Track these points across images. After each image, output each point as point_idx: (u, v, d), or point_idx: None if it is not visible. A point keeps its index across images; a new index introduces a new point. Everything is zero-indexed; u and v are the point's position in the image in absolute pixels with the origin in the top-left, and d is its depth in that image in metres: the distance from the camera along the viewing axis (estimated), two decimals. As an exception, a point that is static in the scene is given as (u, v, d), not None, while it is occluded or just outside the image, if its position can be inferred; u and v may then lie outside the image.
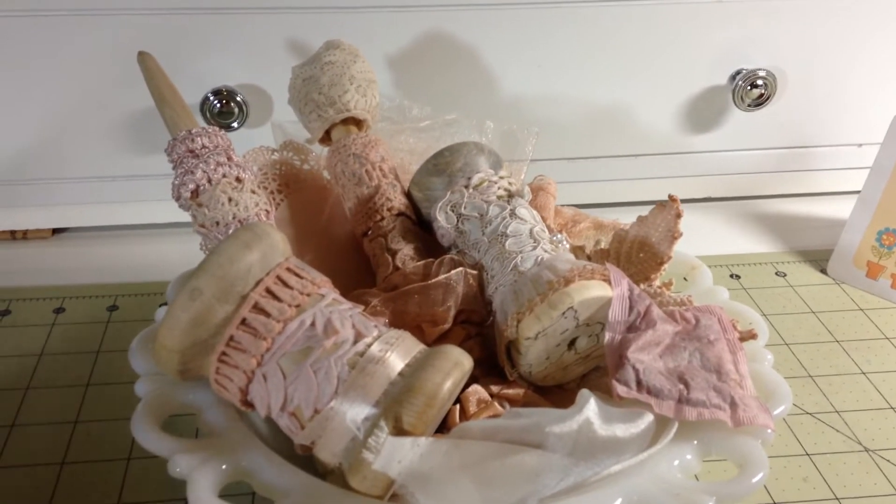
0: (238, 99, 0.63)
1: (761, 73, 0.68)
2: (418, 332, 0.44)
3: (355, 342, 0.37)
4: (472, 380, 0.43)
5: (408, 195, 0.51)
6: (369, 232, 0.49)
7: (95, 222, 0.69)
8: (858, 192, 0.64)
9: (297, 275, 0.38)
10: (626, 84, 0.68)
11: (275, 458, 0.37)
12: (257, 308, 0.37)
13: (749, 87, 0.69)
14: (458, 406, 0.42)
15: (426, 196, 0.49)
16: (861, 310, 0.62)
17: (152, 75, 0.49)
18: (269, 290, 0.37)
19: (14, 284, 0.62)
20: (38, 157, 0.66)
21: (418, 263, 0.46)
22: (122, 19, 0.60)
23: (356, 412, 0.35)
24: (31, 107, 0.63)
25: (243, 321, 0.36)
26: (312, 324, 0.37)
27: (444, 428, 0.40)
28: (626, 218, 0.52)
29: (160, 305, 0.46)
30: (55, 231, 0.70)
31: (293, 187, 0.52)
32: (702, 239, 0.69)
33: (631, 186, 0.72)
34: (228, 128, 0.63)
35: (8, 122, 0.64)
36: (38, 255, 0.67)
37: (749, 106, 0.69)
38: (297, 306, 0.37)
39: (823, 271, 0.66)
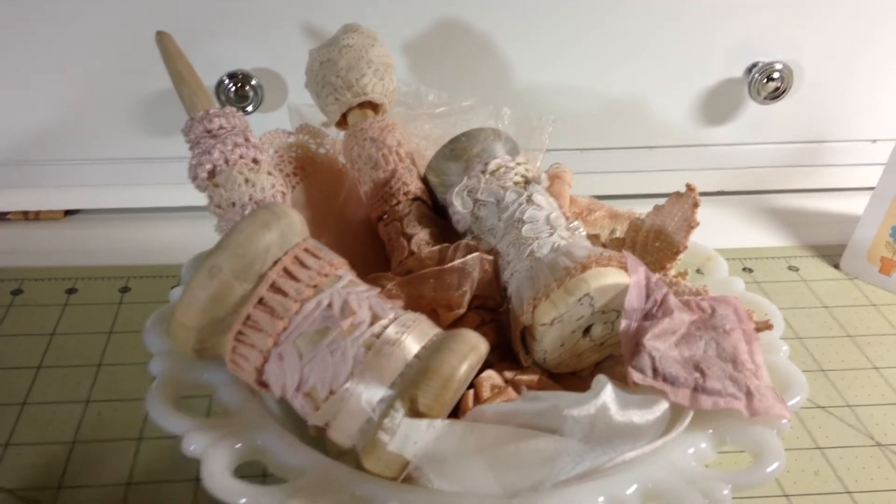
0: (253, 83, 0.63)
1: (778, 67, 0.68)
2: (433, 317, 0.43)
3: (371, 324, 0.37)
4: (487, 365, 0.43)
5: (424, 180, 0.50)
6: (385, 216, 0.49)
7: (108, 204, 0.69)
8: (872, 188, 0.64)
9: (314, 255, 0.38)
10: (641, 75, 0.68)
11: (289, 437, 0.37)
12: (275, 287, 0.37)
13: (765, 81, 0.68)
14: (471, 391, 0.41)
15: (442, 181, 0.49)
16: (874, 305, 0.62)
17: (170, 55, 0.49)
18: (286, 270, 0.37)
19: (27, 264, 0.62)
20: (51, 139, 0.66)
21: (434, 248, 0.46)
22: (138, 0, 0.60)
23: (372, 394, 0.35)
24: (45, 88, 0.64)
25: (261, 300, 0.36)
26: (329, 304, 0.37)
27: (457, 412, 0.40)
28: (640, 210, 0.52)
29: (172, 287, 0.46)
30: (67, 213, 0.70)
31: (309, 170, 0.52)
32: (715, 232, 0.67)
33: (645, 178, 0.72)
34: (243, 111, 0.63)
35: (22, 103, 0.64)
36: (50, 236, 0.67)
37: (765, 99, 0.69)
38: (315, 287, 0.37)
39: (836, 266, 0.66)
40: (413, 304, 0.44)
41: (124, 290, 0.59)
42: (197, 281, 0.35)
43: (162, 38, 0.49)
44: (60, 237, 0.67)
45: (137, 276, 0.61)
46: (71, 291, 0.59)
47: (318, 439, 0.38)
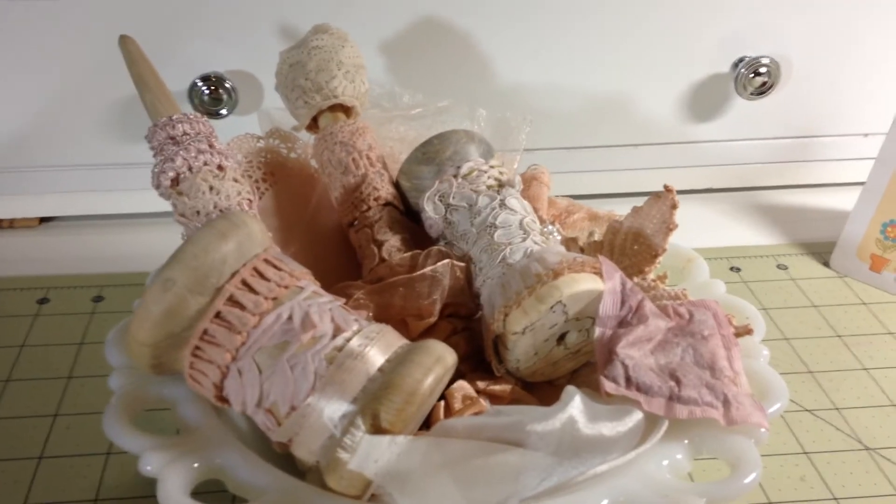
0: (227, 85, 0.62)
1: (764, 61, 0.67)
2: (403, 326, 0.42)
3: (334, 336, 0.36)
4: (459, 375, 0.42)
5: (396, 185, 0.49)
6: (355, 222, 0.48)
7: (83, 211, 0.68)
8: (863, 183, 0.62)
9: (275, 266, 0.37)
10: (625, 71, 0.67)
11: (250, 455, 0.36)
12: (232, 301, 0.35)
13: (752, 75, 0.67)
14: (442, 402, 0.40)
15: (414, 185, 0.48)
16: (864, 304, 0.60)
17: (133, 60, 0.47)
18: (245, 282, 0.36)
19: (-1, 274, 0.61)
20: (24, 146, 0.65)
21: (405, 255, 0.45)
22: (108, 2, 0.59)
23: (333, 409, 0.34)
24: (16, 94, 0.62)
25: (217, 314, 0.35)
26: (290, 317, 0.36)
27: (428, 425, 0.39)
28: (625, 209, 0.50)
29: (136, 301, 0.44)
30: (42, 220, 0.69)
31: (279, 176, 0.50)
32: (702, 231, 0.67)
33: (630, 177, 0.71)
34: (217, 115, 0.62)
35: (-6, 108, 0.63)
36: (24, 245, 0.66)
37: (752, 94, 0.68)
38: (275, 299, 0.36)
39: (826, 264, 0.65)
40: (382, 314, 0.43)
41: (97, 299, 0.58)
42: (150, 295, 0.34)
43: (125, 43, 0.48)
44: (34, 245, 0.66)
45: (112, 285, 0.60)
46: (42, 301, 0.58)
47: (285, 455, 0.37)
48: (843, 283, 0.63)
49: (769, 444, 0.47)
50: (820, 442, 0.49)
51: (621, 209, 0.52)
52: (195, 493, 0.34)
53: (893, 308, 0.60)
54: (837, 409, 0.51)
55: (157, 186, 0.44)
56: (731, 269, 0.64)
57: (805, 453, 0.48)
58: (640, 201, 0.48)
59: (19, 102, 0.63)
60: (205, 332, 0.35)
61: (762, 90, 0.68)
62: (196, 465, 0.34)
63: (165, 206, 0.48)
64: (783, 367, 0.54)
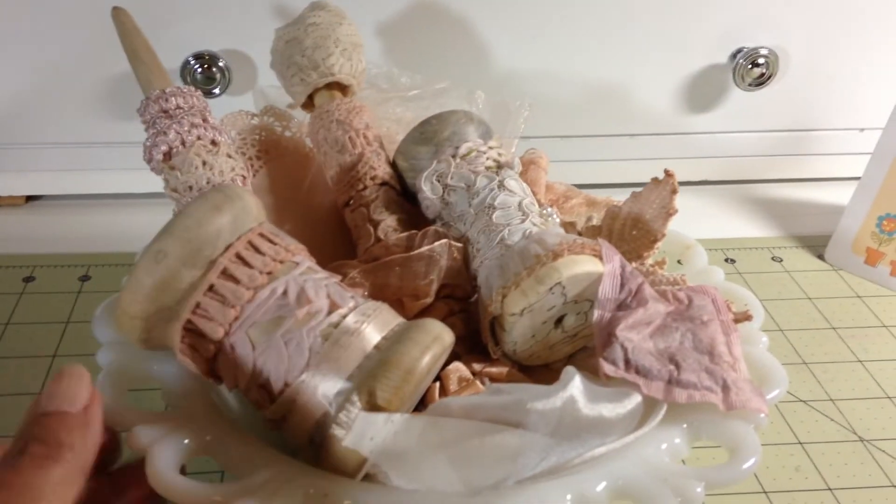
0: (220, 64, 0.61)
1: (763, 52, 0.66)
2: (399, 306, 0.42)
3: (329, 313, 0.35)
4: (455, 357, 0.41)
5: (393, 165, 0.48)
6: (351, 202, 0.47)
7: (71, 190, 0.67)
8: (859, 178, 0.62)
9: (270, 241, 0.36)
10: (623, 60, 0.66)
11: (241, 433, 0.35)
12: (226, 274, 0.35)
13: (750, 66, 0.67)
14: (438, 384, 0.40)
15: (411, 165, 0.47)
16: (859, 297, 0.60)
17: (126, 32, 0.46)
18: (239, 256, 0.35)
19: (-17, 252, 0.60)
20: (11, 122, 0.63)
21: (401, 235, 0.44)
22: (100, -23, 0.58)
23: (328, 386, 0.33)
24: (4, 70, 0.61)
25: (211, 288, 0.34)
26: (284, 292, 0.35)
27: (422, 406, 0.38)
28: (621, 199, 0.50)
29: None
30: (29, 198, 0.67)
31: (273, 154, 0.50)
32: (697, 222, 0.66)
33: (627, 167, 0.70)
34: (210, 94, 0.61)
35: (-19, 84, 0.62)
36: (10, 223, 0.64)
37: (749, 85, 0.67)
38: (269, 273, 0.35)
39: (821, 257, 0.65)
40: (378, 293, 0.42)
41: (84, 278, 0.57)
42: (142, 267, 0.33)
43: (118, 14, 0.47)
44: (20, 224, 0.64)
45: (98, 265, 0.59)
46: (28, 280, 0.57)
47: (277, 434, 0.36)
48: (838, 276, 0.63)
49: (764, 434, 0.47)
50: (815, 432, 0.48)
51: (617, 198, 0.52)
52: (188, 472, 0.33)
53: (888, 301, 0.60)
54: (832, 400, 0.51)
55: (149, 160, 0.43)
56: (727, 260, 0.64)
57: (800, 443, 0.48)
58: (637, 191, 0.48)
59: (5, 77, 0.62)
60: (197, 305, 0.34)
61: (760, 81, 0.67)
62: (186, 441, 0.34)
63: (155, 185, 0.47)
64: (778, 358, 0.52)
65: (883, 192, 0.61)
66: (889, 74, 0.70)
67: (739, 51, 0.67)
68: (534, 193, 0.49)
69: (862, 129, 0.72)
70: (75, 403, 0.31)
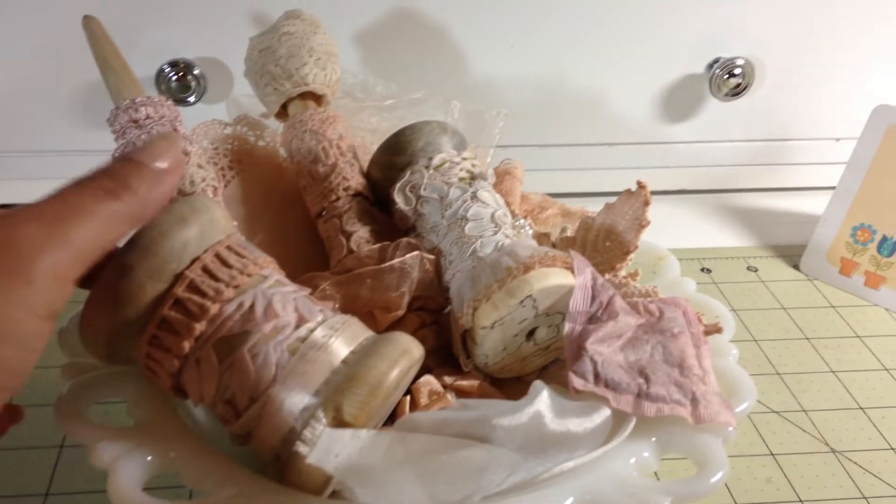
0: (196, 72, 0.60)
1: (739, 62, 0.67)
2: (370, 319, 0.42)
3: (297, 327, 0.35)
4: (426, 370, 0.41)
5: (367, 175, 0.48)
6: (324, 212, 0.47)
7: (45, 198, 0.66)
8: (834, 187, 0.63)
9: (237, 253, 0.36)
10: (600, 69, 0.66)
11: (206, 449, 0.34)
12: (192, 287, 0.34)
13: (726, 76, 0.67)
14: (408, 397, 0.39)
15: (385, 176, 0.47)
16: (833, 307, 0.61)
17: (97, 40, 0.46)
18: (206, 269, 0.35)
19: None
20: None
21: (374, 246, 0.44)
22: (74, -16, 0.58)
23: (295, 401, 0.33)
24: (-23, 75, 0.61)
25: (176, 301, 0.34)
26: (252, 306, 0.35)
27: (392, 420, 0.38)
28: (597, 209, 0.50)
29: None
30: (2, 207, 0.67)
31: (246, 164, 0.49)
32: (674, 231, 0.67)
33: (603, 176, 0.71)
34: (185, 102, 0.61)
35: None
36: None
37: (726, 95, 0.68)
38: (237, 287, 0.35)
39: (796, 267, 0.65)
40: (349, 306, 0.42)
41: (56, 288, 0.57)
42: (105, 281, 0.33)
43: (89, 23, 0.47)
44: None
45: (71, 274, 0.58)
46: (-1, 289, 0.56)
47: (245, 450, 0.36)
48: (813, 285, 0.63)
49: (736, 445, 0.47)
50: (787, 444, 0.49)
51: (594, 208, 0.52)
52: (152, 488, 0.33)
53: (861, 311, 0.60)
54: (804, 410, 0.51)
55: (118, 171, 0.43)
56: (702, 269, 0.64)
57: (772, 454, 0.48)
58: (612, 201, 0.48)
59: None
60: (162, 319, 0.34)
61: (736, 91, 0.68)
62: (149, 458, 0.33)
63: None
64: (751, 369, 0.53)
65: (857, 202, 0.61)
66: (864, 85, 0.70)
67: (716, 61, 0.67)
68: (508, 204, 0.49)
69: (837, 139, 0.72)
70: (156, 161, 0.32)
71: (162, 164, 0.32)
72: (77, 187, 0.31)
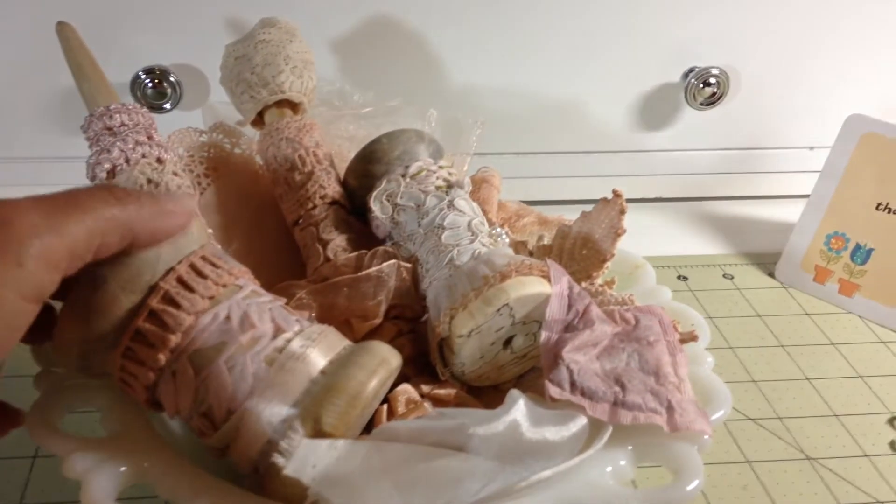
0: (172, 79, 0.60)
1: (714, 72, 0.67)
2: (347, 327, 0.41)
3: (274, 337, 0.35)
4: (403, 379, 0.41)
5: (343, 184, 0.48)
6: (300, 221, 0.47)
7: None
8: (808, 195, 0.63)
9: (212, 264, 0.36)
10: (576, 78, 0.67)
11: (181, 460, 0.34)
12: (167, 299, 0.34)
13: (702, 86, 0.68)
14: (385, 406, 0.39)
15: (362, 184, 0.47)
16: (807, 314, 0.61)
17: (71, 46, 0.45)
18: (180, 280, 0.34)
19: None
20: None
21: (350, 255, 0.44)
22: (48, -10, 0.57)
23: (273, 413, 0.33)
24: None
25: (151, 313, 0.34)
26: (227, 317, 0.34)
27: (370, 429, 0.38)
28: (573, 216, 0.50)
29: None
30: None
31: (222, 171, 0.49)
32: (650, 239, 0.67)
33: (580, 184, 0.71)
34: (160, 109, 0.60)
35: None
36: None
37: (701, 104, 0.68)
38: (212, 298, 0.35)
39: (771, 275, 0.66)
40: (326, 314, 0.42)
41: (29, 296, 0.56)
42: (78, 292, 0.33)
43: (62, 29, 0.46)
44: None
45: (44, 282, 0.57)
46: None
47: (223, 462, 0.35)
48: (788, 293, 0.64)
49: (712, 453, 0.47)
50: (762, 451, 0.49)
51: (570, 216, 0.52)
52: (125, 499, 0.33)
53: (836, 319, 0.61)
54: (780, 418, 0.51)
55: (93, 179, 0.42)
56: (679, 277, 0.65)
57: (747, 462, 0.48)
58: (589, 209, 0.48)
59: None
60: (136, 331, 0.33)
61: (711, 101, 0.68)
62: (123, 468, 0.33)
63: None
64: (727, 376, 0.54)
65: (831, 210, 0.62)
66: (838, 93, 0.71)
67: (691, 70, 0.68)
68: (485, 212, 0.49)
69: (812, 148, 0.73)
70: (169, 203, 0.34)
71: (173, 207, 0.34)
72: (90, 188, 0.32)
